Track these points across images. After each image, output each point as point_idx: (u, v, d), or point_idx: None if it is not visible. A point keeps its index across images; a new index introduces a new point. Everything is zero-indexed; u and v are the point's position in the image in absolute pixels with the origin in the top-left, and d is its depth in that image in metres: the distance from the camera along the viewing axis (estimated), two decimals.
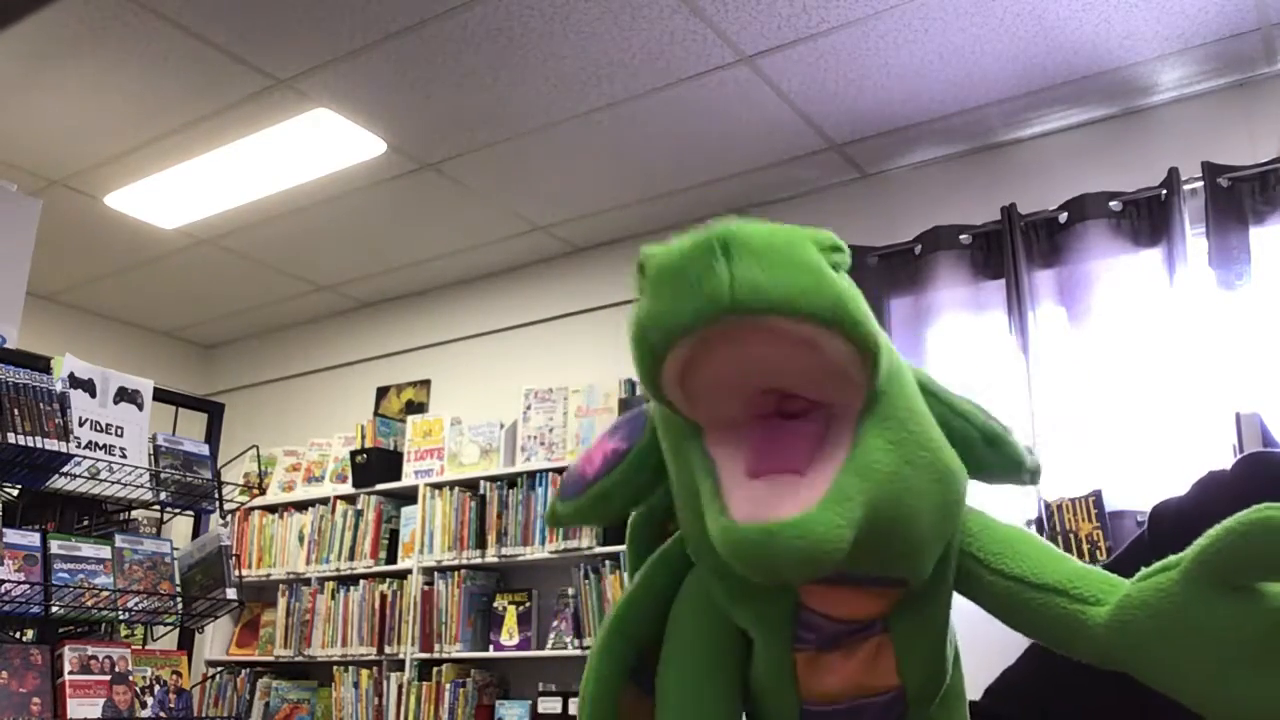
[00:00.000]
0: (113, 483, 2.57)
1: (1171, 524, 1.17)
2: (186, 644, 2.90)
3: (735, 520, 0.73)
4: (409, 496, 4.52)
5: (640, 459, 0.90)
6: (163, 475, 2.71)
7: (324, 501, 4.78)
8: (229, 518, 4.67)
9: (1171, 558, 0.83)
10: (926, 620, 0.92)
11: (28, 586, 2.37)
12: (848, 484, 0.75)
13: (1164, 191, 3.23)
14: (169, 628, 2.81)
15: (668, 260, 0.71)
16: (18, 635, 2.53)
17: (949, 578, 0.93)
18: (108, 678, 2.46)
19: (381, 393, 5.22)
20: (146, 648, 2.79)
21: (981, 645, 1.07)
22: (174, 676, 2.63)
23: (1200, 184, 3.17)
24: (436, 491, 4.40)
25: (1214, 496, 1.15)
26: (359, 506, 4.65)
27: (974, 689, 1.16)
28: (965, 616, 1.04)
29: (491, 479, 4.28)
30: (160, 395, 2.82)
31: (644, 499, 0.93)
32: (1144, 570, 0.85)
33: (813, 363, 0.71)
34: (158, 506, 2.86)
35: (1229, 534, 0.78)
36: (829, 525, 0.73)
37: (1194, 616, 0.79)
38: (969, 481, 0.92)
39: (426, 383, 5.08)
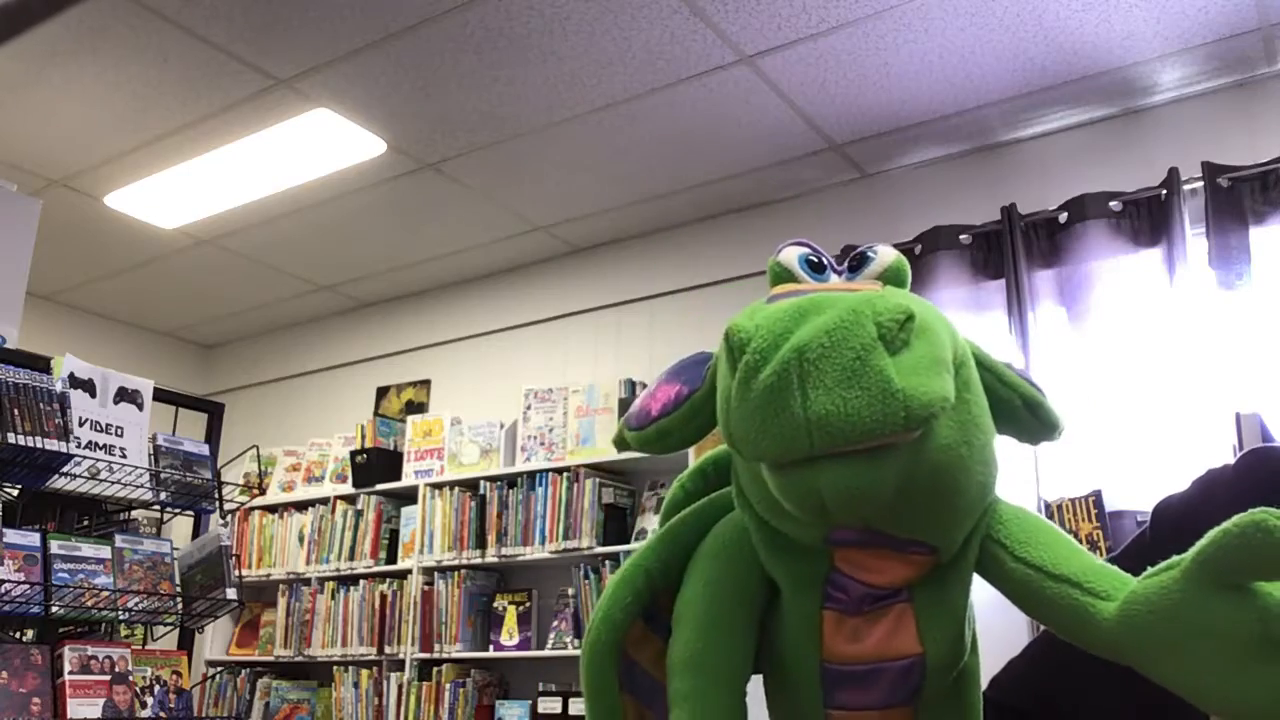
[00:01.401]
0: (113, 483, 2.57)
1: (1173, 521, 1.18)
2: (186, 644, 2.90)
3: None
4: (409, 496, 4.52)
5: (698, 405, 0.99)
6: (163, 475, 2.71)
7: (324, 501, 4.78)
8: (229, 518, 4.67)
9: (1174, 558, 0.85)
10: (947, 594, 0.97)
11: (28, 586, 2.37)
12: (905, 449, 0.83)
13: (1164, 191, 3.23)
14: (169, 628, 2.81)
15: (749, 386, 0.83)
16: (18, 635, 2.53)
17: (972, 557, 0.97)
18: (108, 678, 2.46)
19: (381, 393, 5.22)
20: (146, 648, 2.79)
21: (991, 640, 1.09)
22: (174, 676, 2.64)
23: (1200, 184, 3.17)
24: (436, 491, 4.40)
25: (1216, 494, 1.16)
26: (359, 506, 4.65)
27: (981, 681, 1.17)
28: (977, 612, 1.05)
29: (491, 479, 4.28)
30: (160, 395, 2.82)
31: (699, 439, 1.01)
32: (1149, 569, 0.87)
33: None
34: (158, 506, 2.86)
35: (1226, 536, 0.80)
36: (878, 470, 0.82)
37: (1193, 614, 0.82)
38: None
39: (426, 383, 5.09)
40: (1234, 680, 0.81)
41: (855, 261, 1.02)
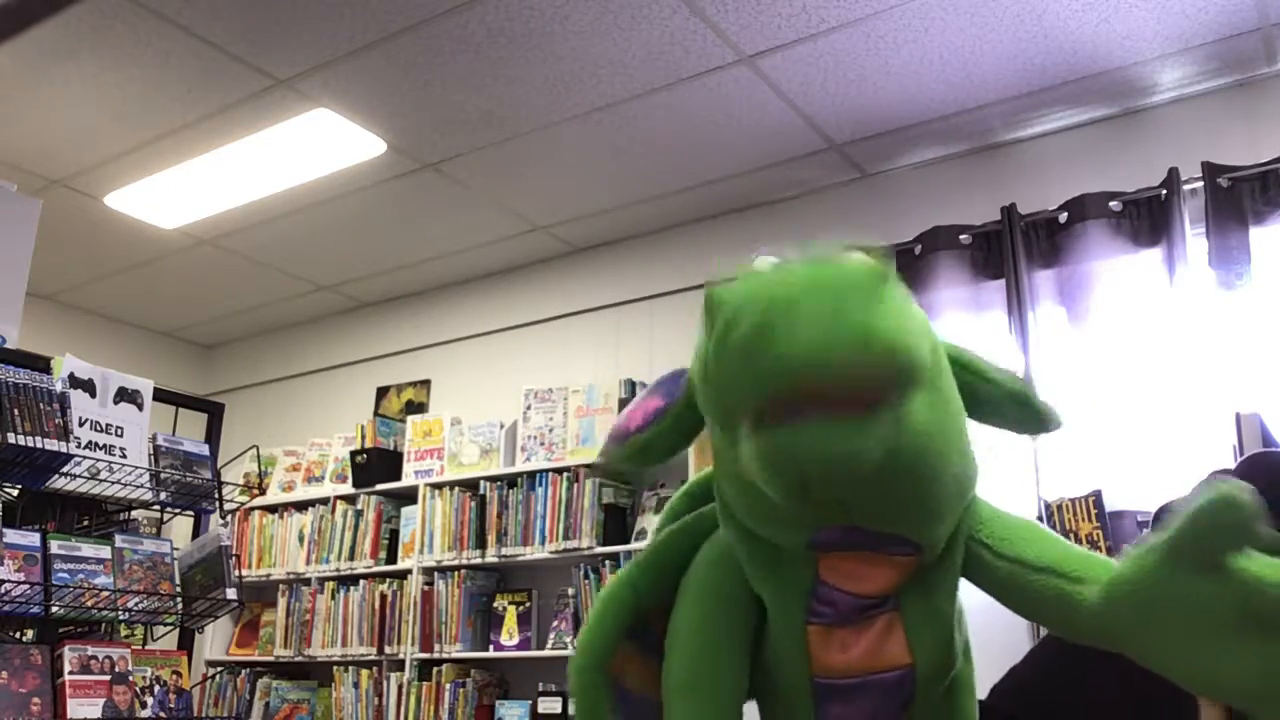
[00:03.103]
0: (113, 483, 2.57)
1: None
2: (186, 644, 2.90)
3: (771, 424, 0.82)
4: (409, 496, 4.52)
5: (678, 417, 1.00)
6: (163, 475, 2.71)
7: (324, 501, 4.78)
8: (229, 518, 4.67)
9: (1153, 540, 0.85)
10: (935, 601, 0.97)
11: (28, 586, 2.37)
12: (886, 417, 0.83)
13: (1164, 191, 3.23)
14: (169, 628, 2.81)
15: (729, 337, 0.83)
16: (18, 635, 2.53)
17: (957, 561, 0.97)
18: (108, 678, 2.46)
19: (381, 393, 5.22)
20: (146, 648, 2.79)
21: (993, 648, 1.09)
22: (174, 676, 2.64)
23: (1200, 184, 3.17)
24: (436, 491, 4.40)
25: None
26: (359, 506, 4.65)
27: (981, 689, 1.17)
28: (972, 620, 1.05)
29: (491, 479, 4.28)
30: (160, 395, 2.82)
31: (680, 450, 1.02)
32: (1130, 552, 0.87)
33: None
34: (158, 506, 2.86)
35: (1199, 514, 0.81)
36: (861, 436, 0.82)
37: (1174, 594, 0.83)
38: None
39: (426, 383, 5.08)
40: (1218, 658, 0.82)
41: None
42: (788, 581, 0.96)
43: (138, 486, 2.63)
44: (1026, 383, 1.02)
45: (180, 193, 4.16)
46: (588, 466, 4.00)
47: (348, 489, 4.72)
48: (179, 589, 2.71)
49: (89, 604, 2.48)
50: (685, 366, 1.01)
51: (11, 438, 2.34)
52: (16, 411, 2.37)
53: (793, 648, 0.97)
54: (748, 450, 0.85)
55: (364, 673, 4.39)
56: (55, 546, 2.47)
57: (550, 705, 3.90)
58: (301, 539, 4.81)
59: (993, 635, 1.05)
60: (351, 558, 4.59)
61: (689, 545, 1.08)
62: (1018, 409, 1.01)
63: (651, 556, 1.11)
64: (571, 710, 1.09)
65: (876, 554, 0.93)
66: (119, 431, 2.62)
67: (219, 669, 4.87)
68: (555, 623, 4.03)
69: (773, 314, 0.82)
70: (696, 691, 0.98)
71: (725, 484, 0.97)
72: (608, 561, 3.90)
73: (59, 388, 2.51)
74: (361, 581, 4.50)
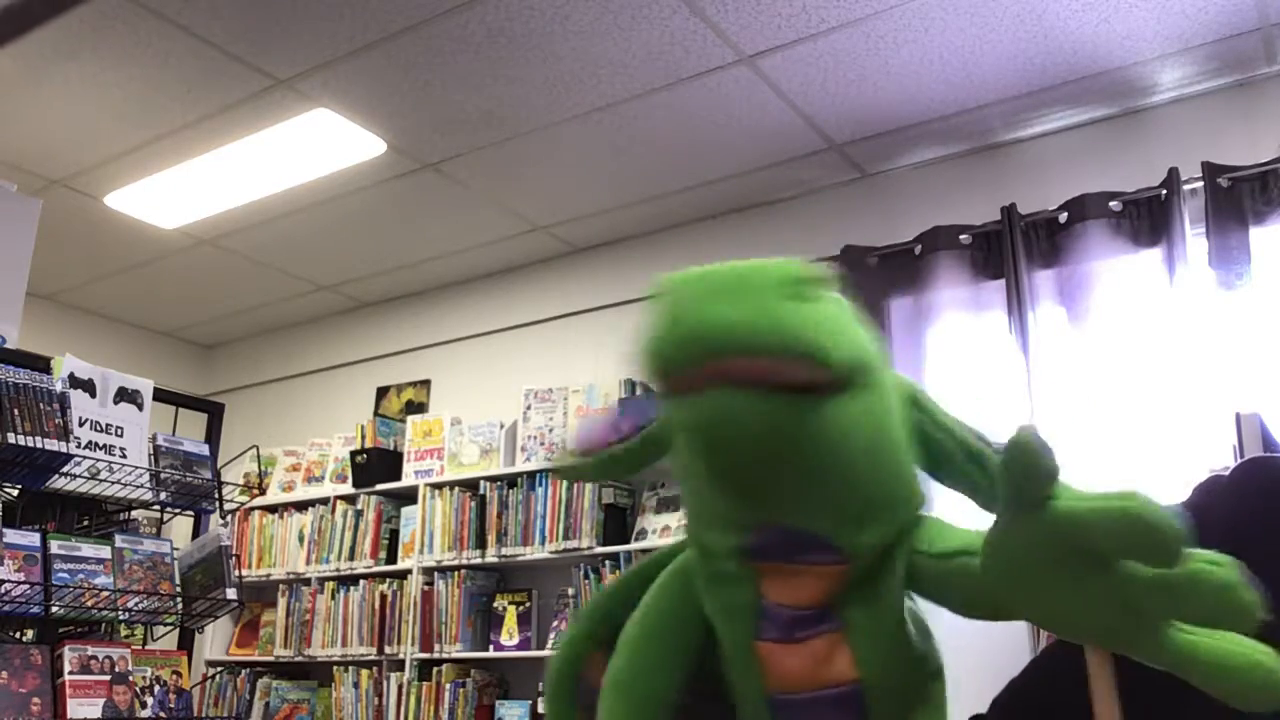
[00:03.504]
0: (113, 483, 2.57)
1: None
2: (186, 644, 2.90)
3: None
4: (409, 496, 4.52)
5: (648, 437, 1.08)
6: (163, 475, 2.71)
7: (324, 501, 4.78)
8: (229, 518, 4.67)
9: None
10: (879, 616, 0.99)
11: (28, 586, 2.37)
12: (789, 403, 0.88)
13: (1164, 191, 3.23)
14: (169, 628, 2.81)
15: (660, 309, 0.91)
16: (18, 635, 2.53)
17: (898, 575, 0.99)
18: (108, 678, 2.46)
19: (381, 393, 5.22)
20: (146, 648, 2.79)
21: (996, 660, 1.10)
22: (174, 676, 2.64)
23: (1200, 184, 3.17)
24: (436, 491, 4.40)
25: (1214, 502, 1.16)
26: (359, 506, 4.65)
27: (982, 704, 1.17)
28: (972, 638, 1.06)
29: (491, 479, 4.28)
30: (160, 395, 2.82)
31: (644, 467, 1.12)
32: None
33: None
34: (158, 506, 2.86)
35: (1004, 461, 0.86)
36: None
37: (1016, 541, 0.87)
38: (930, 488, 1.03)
39: (426, 383, 5.09)
40: (1069, 598, 0.86)
41: None
42: (734, 597, 1.00)
43: (138, 486, 2.63)
44: (992, 445, 1.01)
45: (180, 193, 4.16)
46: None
47: (348, 489, 4.72)
48: (179, 589, 2.71)
49: (89, 604, 2.48)
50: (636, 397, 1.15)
51: (11, 438, 2.34)
52: (16, 411, 2.37)
53: (744, 665, 1.01)
54: (673, 423, 0.96)
55: (364, 673, 4.39)
56: (55, 546, 2.47)
57: None
58: (301, 539, 4.81)
59: (994, 651, 1.06)
60: (351, 558, 4.59)
61: (657, 572, 1.15)
62: (975, 471, 1.00)
63: (634, 574, 1.20)
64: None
65: (803, 563, 0.96)
66: (119, 431, 2.62)
67: (219, 669, 4.87)
68: (555, 623, 4.03)
69: (695, 291, 0.89)
70: (621, 690, 1.06)
71: (680, 480, 1.04)
72: (608, 561, 3.90)
73: (59, 388, 2.51)
74: (361, 581, 4.50)
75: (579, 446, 1.13)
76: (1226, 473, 1.19)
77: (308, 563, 4.73)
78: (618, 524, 3.99)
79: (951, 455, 1.01)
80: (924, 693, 1.03)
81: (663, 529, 3.81)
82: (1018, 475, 0.84)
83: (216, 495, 2.84)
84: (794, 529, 0.94)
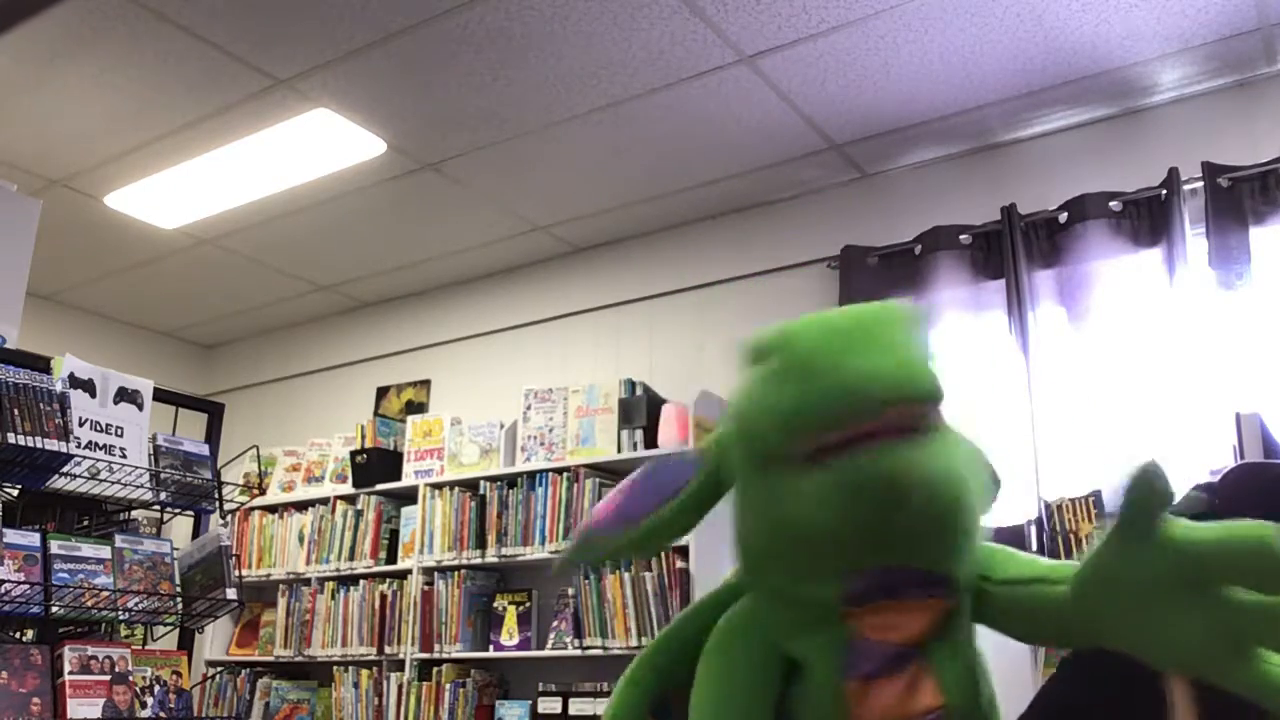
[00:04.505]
0: (113, 483, 2.57)
1: None
2: (186, 644, 2.90)
3: None
4: (409, 496, 4.51)
5: (697, 492, 1.03)
6: (163, 475, 2.71)
7: (324, 501, 4.78)
8: (229, 518, 4.67)
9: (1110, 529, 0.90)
10: (957, 643, 1.00)
11: (28, 586, 2.37)
12: (937, 439, 0.90)
13: (1164, 191, 3.23)
14: (169, 628, 2.81)
15: (785, 368, 0.91)
16: (18, 635, 2.53)
17: (968, 603, 1.00)
18: (108, 678, 2.46)
19: (381, 393, 5.22)
20: (146, 648, 2.79)
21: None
22: (174, 676, 2.64)
23: (1200, 184, 3.17)
24: (436, 491, 4.40)
25: (1207, 508, 1.16)
26: (359, 506, 4.65)
27: None
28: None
29: (491, 479, 4.28)
30: (160, 395, 2.82)
31: (691, 528, 1.05)
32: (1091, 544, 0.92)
33: None
34: (158, 506, 2.86)
35: (1127, 489, 0.85)
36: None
37: (1122, 569, 0.87)
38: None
39: (426, 383, 5.08)
40: (1169, 626, 0.86)
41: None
42: (823, 639, 0.98)
43: (138, 486, 2.63)
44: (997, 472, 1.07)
45: (180, 193, 4.16)
46: (589, 466, 4.00)
47: (348, 489, 4.72)
48: (179, 589, 2.71)
49: (89, 604, 2.48)
50: (661, 456, 1.09)
51: (11, 438, 2.34)
52: (16, 411, 2.37)
53: (832, 705, 0.98)
54: (809, 487, 0.89)
55: (364, 673, 4.39)
56: (55, 546, 2.47)
57: (550, 705, 3.90)
58: (301, 539, 4.81)
59: (997, 672, 1.07)
60: (351, 558, 4.59)
61: (707, 622, 1.10)
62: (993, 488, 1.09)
63: (670, 636, 1.15)
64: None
65: (913, 599, 0.95)
66: (119, 431, 2.62)
67: (219, 669, 4.87)
68: (555, 623, 4.03)
69: (831, 345, 0.88)
70: None
71: (759, 539, 0.98)
72: (608, 562, 3.89)
73: (59, 388, 2.50)
74: (361, 581, 4.50)
75: (603, 527, 1.06)
76: (1214, 480, 1.20)
77: (308, 563, 4.73)
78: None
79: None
80: (992, 715, 1.05)
81: None
82: (1136, 504, 0.84)
83: (216, 495, 2.84)
84: (914, 569, 0.94)
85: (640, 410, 3.98)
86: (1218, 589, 0.83)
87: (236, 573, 2.78)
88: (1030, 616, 0.97)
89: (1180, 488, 1.21)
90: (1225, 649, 0.83)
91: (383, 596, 4.38)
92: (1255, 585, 0.81)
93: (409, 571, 4.36)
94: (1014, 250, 3.43)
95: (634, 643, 3.70)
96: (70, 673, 2.40)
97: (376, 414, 5.09)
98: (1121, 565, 0.87)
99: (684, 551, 3.64)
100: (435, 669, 4.15)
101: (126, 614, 2.59)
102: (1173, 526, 0.84)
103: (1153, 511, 0.84)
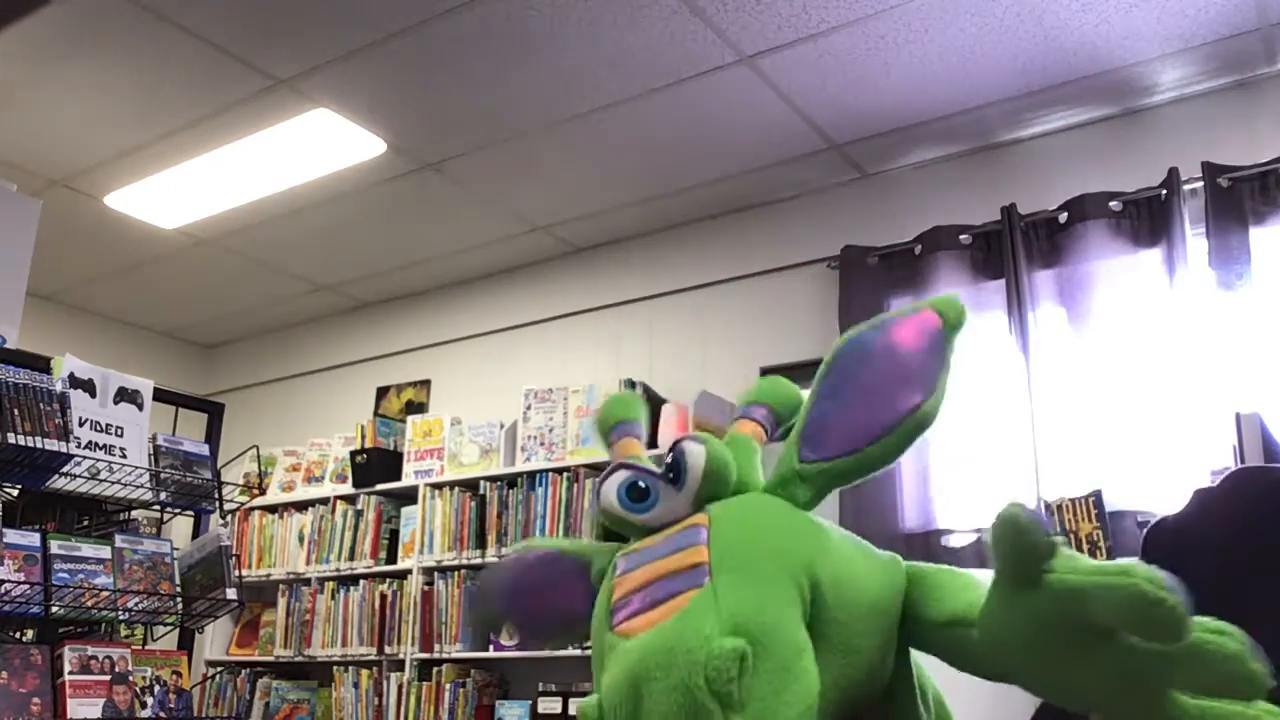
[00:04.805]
0: (113, 483, 2.57)
1: (1168, 544, 1.18)
2: (186, 644, 2.90)
3: None
4: (409, 496, 4.51)
5: None
6: (163, 475, 2.71)
7: (324, 501, 4.78)
8: (229, 518, 4.68)
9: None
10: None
11: (28, 586, 2.37)
12: None
13: (1164, 191, 3.23)
14: (169, 628, 2.81)
15: None
16: (18, 635, 2.53)
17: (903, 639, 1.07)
18: (108, 678, 2.46)
19: (381, 393, 5.22)
20: (146, 648, 2.79)
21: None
22: (174, 676, 2.64)
23: (1200, 184, 3.17)
24: (436, 491, 4.40)
25: (1208, 513, 1.17)
26: (359, 506, 4.65)
27: None
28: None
29: (491, 479, 4.28)
30: (160, 395, 2.82)
31: None
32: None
33: None
34: (158, 506, 2.86)
35: (993, 539, 0.86)
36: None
37: (1016, 615, 0.88)
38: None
39: (426, 383, 5.08)
40: (1072, 668, 0.86)
41: (672, 474, 1.08)
42: None
43: (138, 486, 2.63)
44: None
45: (180, 193, 4.16)
46: (589, 466, 4.00)
47: (348, 489, 4.72)
48: (179, 589, 2.71)
49: (89, 604, 2.48)
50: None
51: (11, 438, 2.34)
52: (16, 411, 2.37)
53: None
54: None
55: (364, 673, 4.39)
56: (55, 546, 2.46)
57: (550, 705, 3.90)
58: (301, 539, 4.81)
59: (994, 700, 1.08)
60: (351, 558, 4.59)
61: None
62: None
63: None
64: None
65: None
66: (119, 431, 2.62)
67: (219, 669, 4.87)
68: None
69: None
70: None
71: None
72: None
73: (59, 388, 2.50)
74: (361, 581, 4.50)
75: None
76: (1214, 485, 1.20)
77: (308, 563, 4.73)
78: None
79: None
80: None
81: None
82: (1007, 552, 0.84)
83: (216, 495, 2.84)
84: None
85: None
86: (1112, 632, 0.81)
87: (236, 573, 2.78)
88: (956, 658, 0.99)
89: (1184, 492, 1.21)
90: (1130, 690, 0.82)
91: (383, 596, 4.38)
92: (1140, 634, 0.80)
93: (409, 571, 4.36)
94: (1014, 250, 3.43)
95: None
96: (70, 673, 2.40)
97: (376, 414, 5.09)
98: (1008, 612, 0.87)
99: None
100: (435, 669, 4.15)
101: (126, 614, 2.59)
102: (1058, 567, 0.83)
103: (1029, 559, 0.83)
